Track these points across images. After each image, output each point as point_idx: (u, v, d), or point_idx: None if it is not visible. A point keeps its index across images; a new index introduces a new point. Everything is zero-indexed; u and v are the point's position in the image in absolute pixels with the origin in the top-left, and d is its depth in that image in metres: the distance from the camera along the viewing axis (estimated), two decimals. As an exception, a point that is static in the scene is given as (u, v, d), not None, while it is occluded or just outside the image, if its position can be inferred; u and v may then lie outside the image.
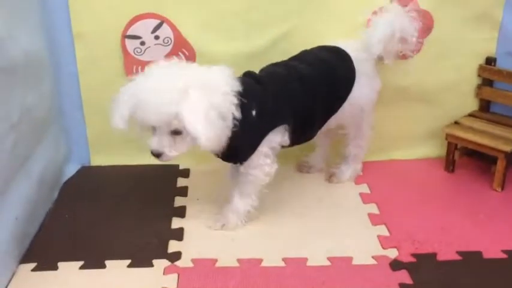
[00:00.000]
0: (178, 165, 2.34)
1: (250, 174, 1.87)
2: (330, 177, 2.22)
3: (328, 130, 2.12)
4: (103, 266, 1.74)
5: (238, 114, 1.69)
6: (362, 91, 2.00)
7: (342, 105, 1.97)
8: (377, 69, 2.07)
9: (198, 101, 1.63)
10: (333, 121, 2.01)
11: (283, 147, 1.90)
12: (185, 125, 1.63)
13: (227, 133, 1.70)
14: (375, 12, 2.12)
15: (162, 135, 1.70)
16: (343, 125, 2.10)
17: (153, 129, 1.71)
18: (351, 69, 1.97)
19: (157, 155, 1.73)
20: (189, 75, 1.69)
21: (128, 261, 1.76)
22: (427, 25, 2.17)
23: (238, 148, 1.78)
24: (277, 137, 1.84)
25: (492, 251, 1.79)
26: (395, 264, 1.74)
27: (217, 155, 1.83)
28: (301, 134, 1.92)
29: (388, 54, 2.02)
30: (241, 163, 1.86)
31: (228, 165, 2.00)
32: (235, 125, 1.69)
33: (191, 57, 2.19)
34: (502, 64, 2.25)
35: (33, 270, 1.74)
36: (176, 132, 1.69)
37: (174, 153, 1.73)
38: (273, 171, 1.89)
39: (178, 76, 1.67)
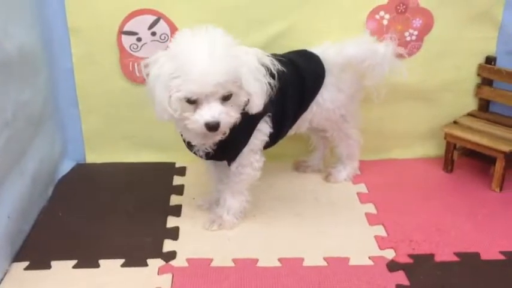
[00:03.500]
0: (174, 163, 2.32)
1: (242, 173, 1.86)
2: (327, 177, 2.21)
3: (315, 131, 2.13)
4: (97, 265, 1.73)
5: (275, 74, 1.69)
6: (329, 92, 1.97)
7: (311, 102, 1.95)
8: (353, 73, 2.01)
9: (251, 58, 1.63)
10: (305, 123, 1.99)
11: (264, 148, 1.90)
12: (243, 83, 1.59)
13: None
14: (372, 17, 2.13)
15: (213, 104, 1.59)
16: (322, 128, 2.08)
17: (197, 102, 1.60)
18: (319, 66, 1.95)
19: (214, 126, 1.60)
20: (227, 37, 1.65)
21: (122, 261, 1.74)
22: (426, 23, 2.17)
23: (231, 142, 1.76)
24: (265, 127, 1.83)
25: (490, 253, 1.78)
26: (392, 265, 1.72)
27: (207, 154, 1.80)
28: (275, 132, 1.88)
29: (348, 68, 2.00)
30: (231, 162, 1.85)
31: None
32: None
33: (188, 54, 2.17)
34: (501, 63, 2.23)
35: (26, 269, 1.72)
36: (226, 98, 1.61)
37: (231, 120, 1.63)
38: (261, 165, 1.88)
39: (222, 38, 1.63)
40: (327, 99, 1.98)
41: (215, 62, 1.56)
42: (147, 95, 1.68)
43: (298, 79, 1.90)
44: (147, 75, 1.66)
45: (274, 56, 1.96)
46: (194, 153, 1.83)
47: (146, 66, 1.67)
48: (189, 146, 1.81)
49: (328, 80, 1.97)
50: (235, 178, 1.88)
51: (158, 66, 1.62)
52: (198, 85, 1.57)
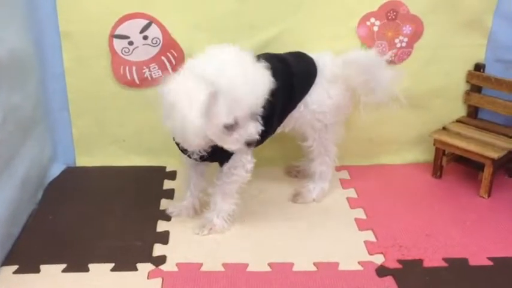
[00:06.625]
0: (165, 167, 2.32)
1: (233, 174, 1.86)
2: (295, 197, 2.12)
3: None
4: (86, 270, 1.72)
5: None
6: (318, 95, 1.97)
7: (300, 101, 1.95)
8: (347, 85, 2.01)
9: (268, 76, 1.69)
10: (291, 121, 1.99)
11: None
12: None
13: None
14: (363, 23, 2.15)
15: (250, 122, 1.67)
16: (304, 133, 2.06)
17: (233, 123, 1.65)
18: (310, 65, 1.96)
19: (253, 142, 1.70)
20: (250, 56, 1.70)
21: (112, 265, 1.74)
22: (416, 30, 2.19)
23: None
24: (257, 126, 1.81)
25: (478, 258, 1.80)
26: (382, 271, 1.73)
27: (202, 157, 1.80)
28: (265, 129, 1.85)
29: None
30: (223, 163, 1.85)
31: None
32: None
33: (180, 58, 2.17)
34: (490, 71, 2.25)
35: (14, 272, 1.71)
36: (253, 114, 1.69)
37: (259, 132, 1.71)
38: (252, 166, 1.89)
39: (250, 58, 1.68)
40: (315, 101, 1.97)
41: (255, 84, 1.62)
42: (169, 121, 1.66)
43: (287, 75, 1.90)
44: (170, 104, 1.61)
45: (268, 54, 1.97)
46: (188, 156, 1.83)
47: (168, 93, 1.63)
48: (183, 149, 1.82)
49: (319, 83, 1.97)
50: (227, 179, 1.88)
51: (189, 96, 1.58)
52: (243, 109, 1.62)
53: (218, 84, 1.59)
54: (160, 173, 2.29)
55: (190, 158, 1.84)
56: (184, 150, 1.82)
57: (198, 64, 1.66)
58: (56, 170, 2.27)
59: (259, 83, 1.64)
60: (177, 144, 1.82)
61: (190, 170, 1.97)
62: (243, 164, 1.86)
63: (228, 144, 1.70)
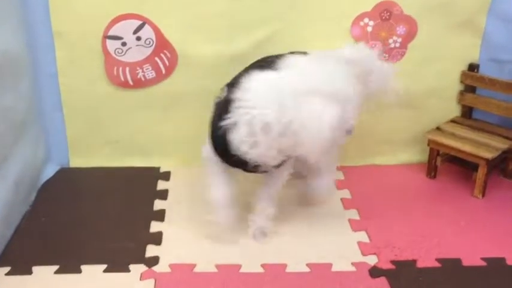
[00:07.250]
0: (159, 168, 2.32)
1: (283, 175, 1.88)
2: (301, 199, 2.10)
3: None
4: (79, 271, 1.72)
5: None
6: None
7: None
8: None
9: None
10: None
11: None
12: None
13: None
14: (356, 23, 2.15)
15: None
16: None
17: None
18: None
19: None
20: None
21: (104, 266, 1.74)
22: (410, 31, 2.18)
23: None
24: None
25: (471, 259, 1.80)
26: (375, 271, 1.73)
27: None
28: None
29: None
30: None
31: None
32: None
33: (173, 59, 2.17)
34: (484, 71, 2.25)
35: (7, 274, 1.71)
36: None
37: None
38: None
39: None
40: None
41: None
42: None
43: None
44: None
45: (269, 56, 1.96)
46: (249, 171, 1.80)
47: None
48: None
49: None
50: (277, 180, 1.89)
51: (321, 117, 1.59)
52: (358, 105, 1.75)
53: (344, 97, 1.63)
54: (154, 174, 2.28)
55: (253, 172, 1.79)
56: (238, 163, 1.76)
57: (304, 81, 1.63)
58: (49, 171, 2.26)
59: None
60: (227, 157, 1.76)
61: (219, 180, 1.88)
62: (290, 162, 1.87)
63: (344, 140, 1.75)
